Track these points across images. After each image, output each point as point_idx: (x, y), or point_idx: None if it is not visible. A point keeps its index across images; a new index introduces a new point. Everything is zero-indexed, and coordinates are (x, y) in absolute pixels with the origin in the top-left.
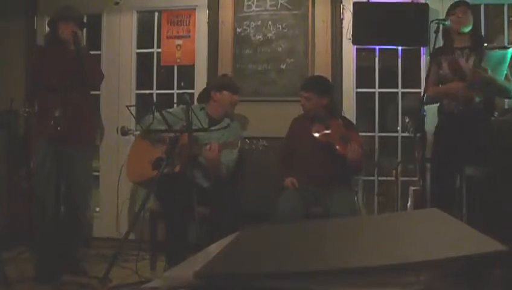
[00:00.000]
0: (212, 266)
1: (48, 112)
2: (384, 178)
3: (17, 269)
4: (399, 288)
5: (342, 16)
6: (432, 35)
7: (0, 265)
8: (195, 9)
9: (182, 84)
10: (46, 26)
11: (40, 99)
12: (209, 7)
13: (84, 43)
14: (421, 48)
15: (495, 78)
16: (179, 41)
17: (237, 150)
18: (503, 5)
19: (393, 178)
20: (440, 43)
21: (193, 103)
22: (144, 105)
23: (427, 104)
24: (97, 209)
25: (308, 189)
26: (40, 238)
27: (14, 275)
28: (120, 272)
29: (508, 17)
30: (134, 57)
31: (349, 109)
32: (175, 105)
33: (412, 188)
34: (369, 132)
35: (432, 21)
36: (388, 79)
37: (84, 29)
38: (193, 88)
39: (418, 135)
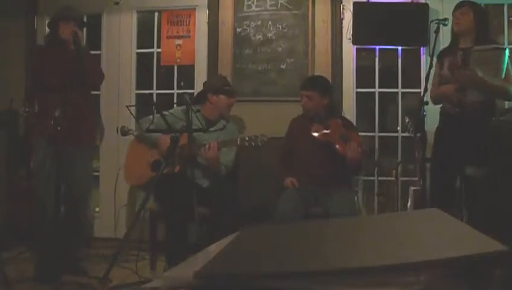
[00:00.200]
0: (212, 266)
1: (47, 112)
2: (384, 178)
3: (17, 269)
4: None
5: (342, 16)
6: (432, 35)
7: (0, 265)
8: (195, 9)
9: (182, 84)
10: (46, 26)
11: (40, 99)
12: (209, 7)
13: (84, 43)
14: (421, 48)
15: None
16: (179, 41)
17: (236, 148)
18: (503, 5)
19: (393, 178)
20: (440, 43)
21: (193, 103)
22: (144, 105)
23: (435, 104)
24: (97, 209)
25: (308, 189)
26: (40, 238)
27: (14, 275)
28: (120, 272)
29: (508, 17)
30: (134, 57)
31: (349, 109)
32: (175, 105)
33: (412, 188)
34: (369, 132)
35: (432, 21)
36: (388, 79)
37: (84, 29)
38: (193, 88)
39: (418, 135)
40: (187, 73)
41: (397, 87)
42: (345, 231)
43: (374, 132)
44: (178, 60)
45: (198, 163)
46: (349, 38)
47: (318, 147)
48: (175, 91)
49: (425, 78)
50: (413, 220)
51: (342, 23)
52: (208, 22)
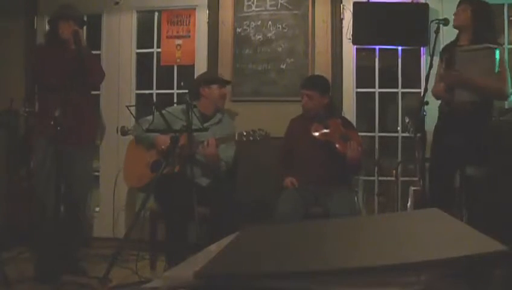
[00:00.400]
0: (212, 266)
1: (48, 112)
2: (385, 178)
3: (17, 269)
4: (399, 288)
5: (342, 16)
6: (432, 35)
7: (0, 265)
8: (195, 9)
9: (182, 84)
10: (46, 25)
11: (40, 99)
12: (209, 7)
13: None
14: (421, 48)
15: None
16: (179, 41)
17: (234, 143)
18: (503, 5)
19: (393, 178)
20: (440, 43)
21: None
22: (143, 105)
23: (437, 100)
24: (97, 209)
25: (308, 189)
26: (40, 238)
27: (14, 275)
28: (120, 272)
29: (508, 17)
30: (134, 56)
31: (349, 109)
32: (175, 105)
33: (412, 188)
34: (369, 132)
35: (432, 21)
36: (388, 79)
37: (85, 28)
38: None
39: (418, 135)
40: (187, 73)
41: (397, 87)
42: (345, 231)
43: (374, 132)
44: (178, 60)
45: (198, 161)
46: (349, 38)
47: (318, 147)
48: (175, 91)
49: (425, 78)
50: (413, 220)
51: (342, 23)
52: (208, 22)
